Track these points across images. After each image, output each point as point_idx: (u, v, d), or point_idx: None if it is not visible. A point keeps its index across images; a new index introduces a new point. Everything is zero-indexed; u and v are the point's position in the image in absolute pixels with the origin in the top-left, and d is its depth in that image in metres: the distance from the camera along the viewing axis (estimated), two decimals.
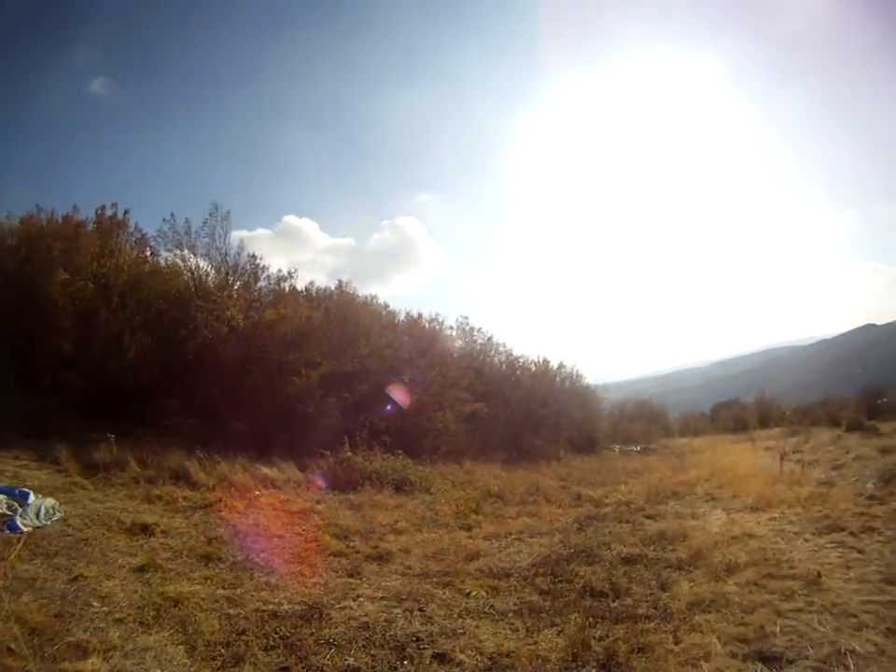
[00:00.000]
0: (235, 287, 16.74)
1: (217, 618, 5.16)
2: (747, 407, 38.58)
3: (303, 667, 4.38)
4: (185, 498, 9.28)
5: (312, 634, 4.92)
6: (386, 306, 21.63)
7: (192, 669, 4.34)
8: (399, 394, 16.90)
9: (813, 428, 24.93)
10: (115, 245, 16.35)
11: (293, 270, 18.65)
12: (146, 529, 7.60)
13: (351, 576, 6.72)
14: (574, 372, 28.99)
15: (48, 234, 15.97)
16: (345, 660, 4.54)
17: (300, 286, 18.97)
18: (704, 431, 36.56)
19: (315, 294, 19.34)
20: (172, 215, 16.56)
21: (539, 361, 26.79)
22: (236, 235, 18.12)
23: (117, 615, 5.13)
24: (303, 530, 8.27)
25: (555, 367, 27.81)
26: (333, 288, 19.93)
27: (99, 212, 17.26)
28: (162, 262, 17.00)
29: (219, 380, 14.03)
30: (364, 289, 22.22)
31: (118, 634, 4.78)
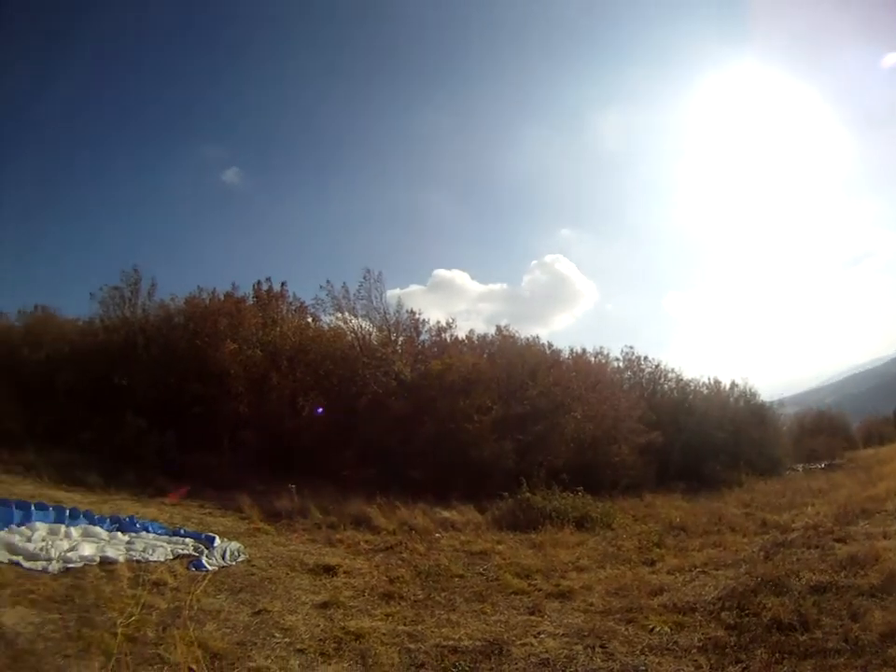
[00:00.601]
0: (399, 343, 17.48)
1: (397, 651, 5.20)
2: None
3: None
4: (366, 542, 9.59)
5: (491, 669, 4.81)
6: (550, 345, 21.29)
7: None
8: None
9: None
10: (276, 315, 18.01)
11: (451, 320, 19.10)
12: (329, 570, 7.95)
13: (532, 613, 6.48)
14: (747, 391, 26.86)
15: (212, 311, 17.98)
16: None
17: (460, 335, 19.33)
18: (890, 438, 32.85)
19: (476, 341, 19.68)
20: (328, 282, 17.98)
21: (710, 383, 25.43)
22: (391, 294, 19.18)
23: (298, 646, 5.36)
24: (484, 570, 8.16)
25: (727, 387, 26.08)
26: (494, 334, 20.14)
27: (256, 287, 19.16)
28: (325, 326, 18.30)
29: (392, 430, 14.57)
30: (524, 331, 22.41)
31: (298, 662, 5.00)
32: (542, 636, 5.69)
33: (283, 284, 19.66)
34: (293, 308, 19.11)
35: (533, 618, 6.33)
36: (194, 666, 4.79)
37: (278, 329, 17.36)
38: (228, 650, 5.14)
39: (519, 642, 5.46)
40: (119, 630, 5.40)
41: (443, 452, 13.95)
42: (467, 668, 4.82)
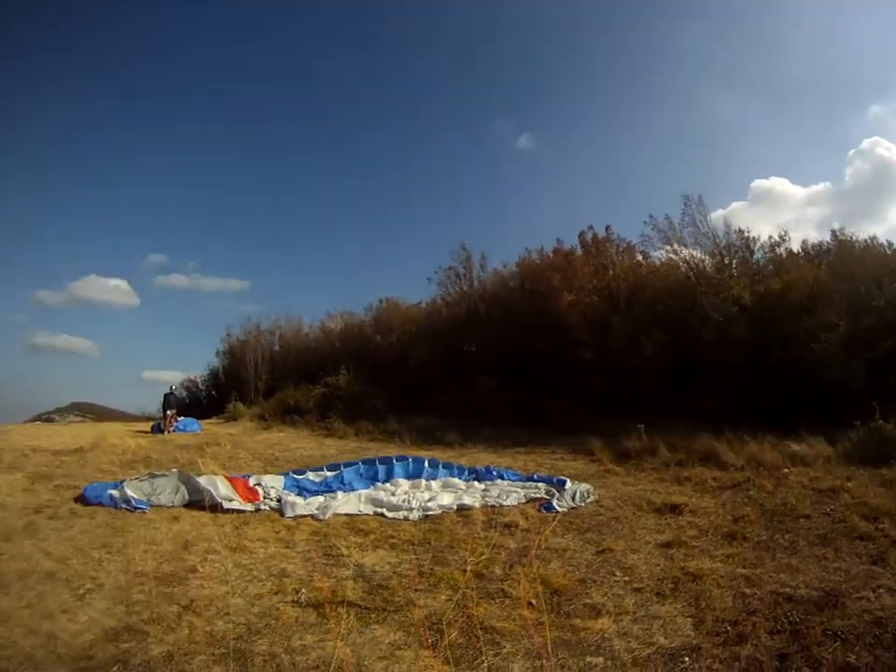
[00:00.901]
0: (733, 266, 16.26)
1: (731, 596, 5.13)
2: None
3: (803, 657, 4.01)
4: (714, 479, 9.33)
5: (821, 623, 4.42)
6: (890, 245, 17.26)
7: (695, 641, 4.39)
8: None
9: None
10: (606, 260, 18.18)
11: (783, 233, 17.25)
12: (674, 509, 7.95)
13: (874, 563, 5.70)
14: None
15: (544, 268, 19.06)
16: (847, 656, 3.96)
17: (793, 247, 17.28)
18: None
19: (811, 252, 17.25)
20: (651, 216, 17.46)
21: None
22: (715, 217, 17.80)
23: (635, 585, 5.57)
24: (831, 510, 7.27)
25: None
26: (829, 241, 17.48)
27: (581, 236, 19.56)
28: (656, 262, 17.87)
29: (736, 359, 13.67)
30: (859, 232, 18.41)
31: (633, 601, 5.19)
32: (881, 590, 5.02)
33: (607, 228, 19.89)
34: (621, 250, 19.14)
35: (875, 568, 5.58)
36: (534, 601, 5.24)
37: (610, 272, 17.59)
38: (568, 586, 5.58)
39: (856, 595, 4.92)
40: (469, 567, 6.23)
41: (789, 378, 12.46)
42: (797, 620, 4.53)
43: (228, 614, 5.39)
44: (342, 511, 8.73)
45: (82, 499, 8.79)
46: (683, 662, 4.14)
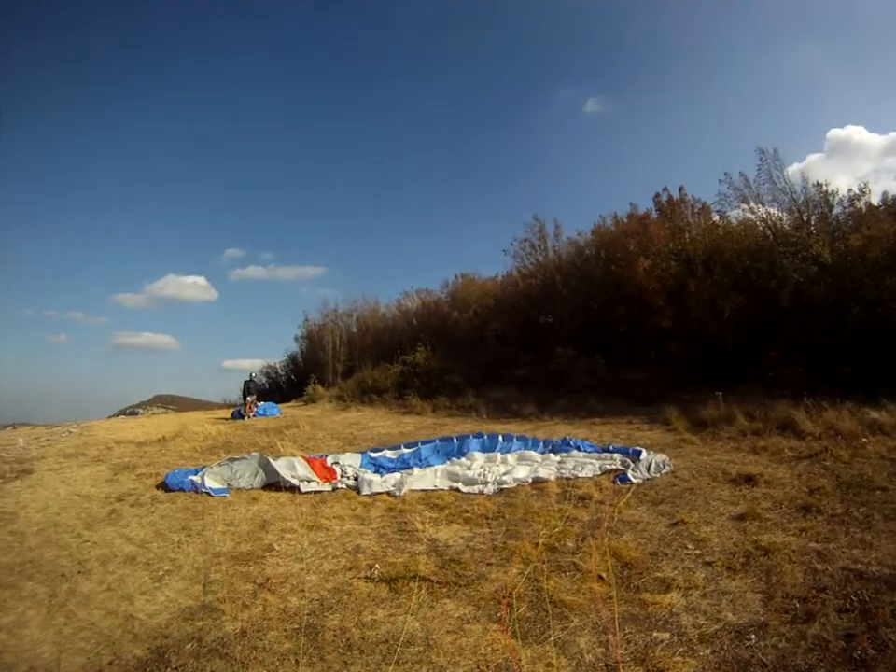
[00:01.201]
0: (812, 222, 15.48)
1: (802, 571, 5.10)
2: None
3: (869, 638, 3.99)
4: (790, 448, 9.17)
5: (891, 603, 4.39)
6: None
7: (763, 619, 4.38)
8: None
9: None
10: (682, 222, 17.63)
11: (863, 185, 16.20)
12: (749, 479, 7.87)
13: None
14: None
15: (619, 234, 18.75)
16: None
17: (873, 200, 16.28)
18: None
19: (892, 205, 16.17)
20: (726, 174, 16.74)
21: None
22: (791, 171, 16.97)
23: (707, 558, 5.59)
24: None
25: None
26: None
27: (656, 199, 19.06)
28: (733, 222, 17.13)
29: (817, 322, 13.13)
30: None
31: (703, 575, 5.22)
32: None
33: (681, 189, 19.31)
34: (696, 211, 18.54)
35: None
36: (604, 575, 5.33)
37: (686, 235, 17.14)
38: (639, 559, 5.63)
39: None
40: (541, 541, 6.28)
41: (872, 341, 11.90)
42: (867, 598, 4.52)
43: (302, 591, 5.61)
44: (417, 486, 8.95)
45: (164, 486, 9.24)
46: (750, 639, 4.16)
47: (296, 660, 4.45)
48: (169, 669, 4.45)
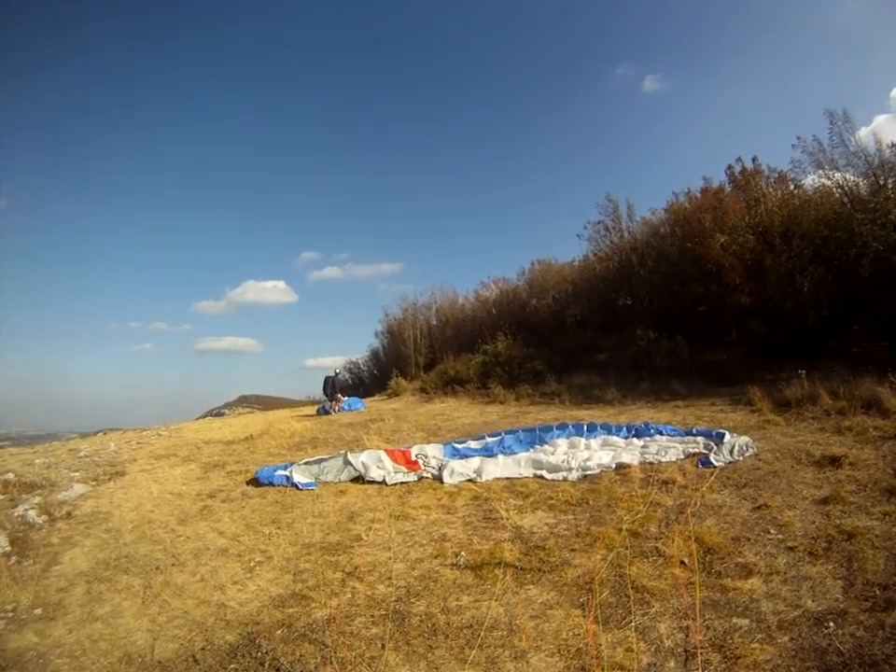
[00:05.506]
0: (889, 187, 14.72)
1: (884, 558, 5.05)
2: None
3: None
4: (875, 428, 8.91)
5: None
6: None
7: (842, 606, 4.41)
8: None
9: None
10: (757, 193, 17.12)
11: None
12: (834, 461, 7.73)
13: None
14: None
15: (694, 210, 18.32)
16: None
17: None
18: None
19: None
20: (798, 138, 16.23)
21: None
22: (865, 132, 16.22)
23: (789, 543, 5.58)
24: None
25: None
26: None
27: (729, 171, 18.54)
28: (808, 190, 16.55)
29: None
30: None
31: (784, 561, 5.24)
32: None
33: (754, 159, 18.70)
34: (772, 181, 17.97)
35: None
36: (686, 560, 5.39)
37: (762, 206, 16.74)
38: (721, 544, 5.67)
39: None
40: (625, 526, 6.36)
41: None
42: None
43: (389, 578, 5.81)
44: (501, 474, 9.12)
45: (254, 482, 9.59)
46: (828, 627, 4.18)
47: (382, 644, 4.65)
48: (260, 654, 4.71)
